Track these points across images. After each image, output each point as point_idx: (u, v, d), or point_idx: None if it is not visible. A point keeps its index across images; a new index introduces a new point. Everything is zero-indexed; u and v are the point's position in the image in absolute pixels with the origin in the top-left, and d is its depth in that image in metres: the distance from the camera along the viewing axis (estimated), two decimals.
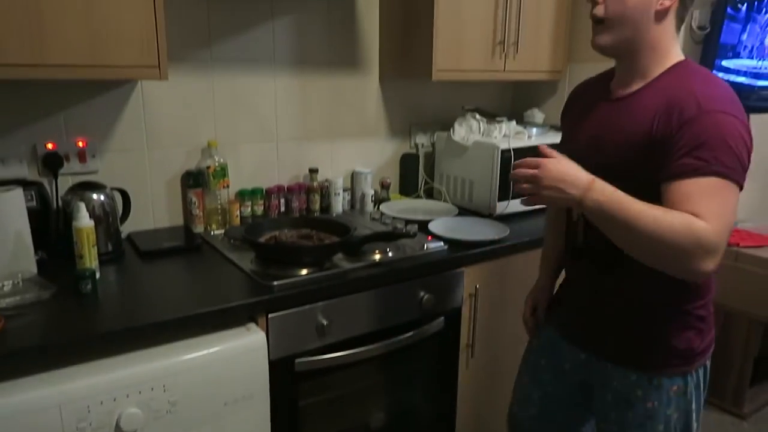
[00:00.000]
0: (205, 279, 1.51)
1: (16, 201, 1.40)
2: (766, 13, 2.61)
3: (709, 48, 2.51)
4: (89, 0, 1.33)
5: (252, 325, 1.37)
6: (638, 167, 1.08)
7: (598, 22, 1.12)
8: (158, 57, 1.44)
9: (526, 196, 1.10)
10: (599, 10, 1.11)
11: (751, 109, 2.90)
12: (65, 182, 1.64)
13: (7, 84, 1.54)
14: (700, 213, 0.97)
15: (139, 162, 1.80)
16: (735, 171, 0.99)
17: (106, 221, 1.59)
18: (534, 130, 2.24)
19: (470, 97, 2.48)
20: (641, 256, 1.04)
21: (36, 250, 1.45)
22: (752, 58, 2.64)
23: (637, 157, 1.08)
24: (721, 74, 2.54)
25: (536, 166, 1.07)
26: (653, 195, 1.03)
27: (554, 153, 1.09)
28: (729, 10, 2.44)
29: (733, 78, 2.61)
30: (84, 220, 1.41)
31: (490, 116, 2.27)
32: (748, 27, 2.56)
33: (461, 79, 2.20)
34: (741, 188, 1.02)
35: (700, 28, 2.50)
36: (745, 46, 2.59)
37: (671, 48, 1.13)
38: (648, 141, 1.06)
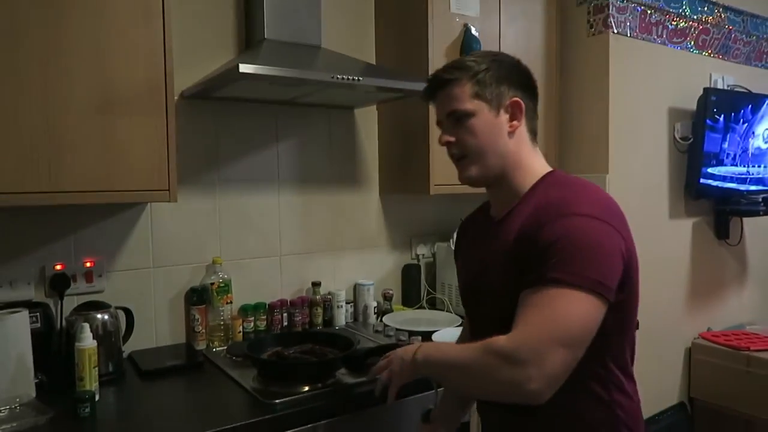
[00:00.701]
0: (206, 399, 1.48)
1: (21, 324, 1.41)
2: (743, 123, 2.77)
3: (694, 156, 2.63)
4: (106, 132, 1.43)
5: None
6: (513, 285, 1.00)
7: (460, 159, 1.13)
8: (169, 181, 1.51)
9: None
10: (456, 149, 1.13)
11: (742, 213, 3.01)
12: (71, 302, 1.66)
13: (21, 209, 1.60)
14: (515, 325, 0.94)
15: (144, 280, 1.83)
16: (578, 277, 0.91)
17: (109, 341, 1.59)
18: None
19: (468, 207, 2.54)
20: (472, 391, 1.11)
21: (36, 372, 1.43)
22: (735, 164, 2.75)
23: (508, 274, 1.03)
24: (709, 181, 2.64)
25: (387, 358, 1.22)
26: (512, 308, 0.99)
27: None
28: (708, 121, 2.59)
29: (720, 184, 2.70)
30: (87, 341, 1.41)
31: None
32: (728, 136, 2.70)
33: (457, 192, 2.28)
34: (598, 295, 0.92)
35: (683, 138, 2.64)
36: (728, 154, 2.72)
37: (533, 162, 1.13)
38: (516, 255, 1.02)
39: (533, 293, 0.94)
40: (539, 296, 0.93)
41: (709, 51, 2.76)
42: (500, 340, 0.93)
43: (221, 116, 1.94)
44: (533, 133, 1.15)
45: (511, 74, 1.12)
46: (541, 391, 0.90)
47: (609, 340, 1.02)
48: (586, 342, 0.93)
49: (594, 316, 0.93)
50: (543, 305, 0.92)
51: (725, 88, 2.80)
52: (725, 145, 2.67)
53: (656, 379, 2.58)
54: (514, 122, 1.11)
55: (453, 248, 1.38)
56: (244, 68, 1.48)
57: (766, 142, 2.87)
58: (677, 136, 2.62)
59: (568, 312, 0.91)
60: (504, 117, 1.10)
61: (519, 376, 0.90)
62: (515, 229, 1.05)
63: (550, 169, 1.15)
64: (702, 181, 2.59)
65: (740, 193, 2.78)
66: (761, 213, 2.74)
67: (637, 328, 1.17)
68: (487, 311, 1.13)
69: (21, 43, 1.31)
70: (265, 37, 1.81)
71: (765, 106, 2.80)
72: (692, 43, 2.67)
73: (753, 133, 2.79)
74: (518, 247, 1.02)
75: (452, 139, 1.13)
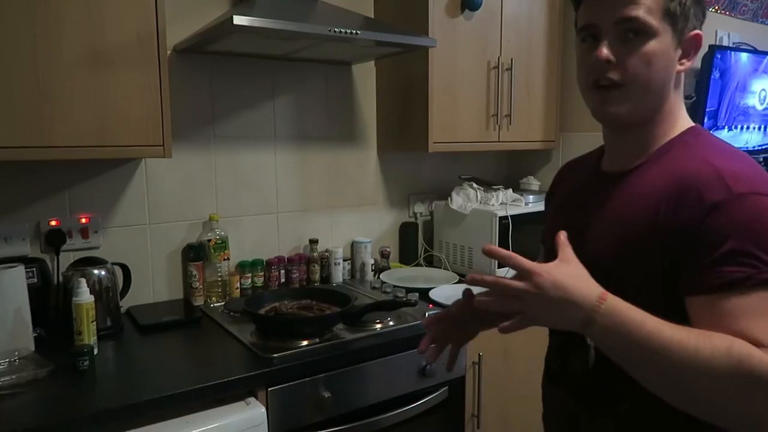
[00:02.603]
0: (204, 353, 1.50)
1: (17, 279, 1.41)
2: (742, 79, 2.72)
3: (697, 115, 2.59)
4: (98, 86, 1.40)
5: (252, 400, 1.34)
6: (636, 268, 0.83)
7: (613, 87, 0.87)
8: (163, 137, 1.49)
9: (504, 320, 0.80)
10: (615, 74, 0.86)
11: None
12: (67, 258, 1.66)
13: (14, 164, 1.58)
14: (759, 340, 0.70)
15: (140, 237, 1.82)
16: None
17: (106, 296, 1.59)
18: (530, 197, 2.28)
19: (467, 167, 2.54)
20: (678, 403, 0.75)
21: (34, 326, 1.44)
22: (731, 126, 2.71)
23: (635, 255, 0.83)
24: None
25: (526, 275, 0.76)
26: (656, 307, 0.76)
27: (565, 248, 0.82)
28: (712, 78, 2.54)
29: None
30: (84, 296, 1.41)
31: (487, 185, 2.32)
32: (726, 93, 2.66)
33: (457, 150, 2.26)
34: None
35: (687, 97, 2.60)
36: (725, 111, 2.68)
37: (680, 111, 0.92)
38: (652, 232, 0.81)
39: (741, 295, 0.73)
40: (754, 299, 0.72)
41: (717, 7, 2.69)
42: (765, 360, 0.68)
43: (216, 71, 1.90)
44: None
45: (701, 2, 0.88)
46: None
47: None
48: None
49: None
50: None
51: (730, 45, 2.75)
52: (723, 104, 2.63)
53: None
54: (684, 60, 0.88)
55: (546, 193, 1.16)
56: (238, 20, 1.44)
57: (762, 103, 2.83)
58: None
59: None
60: (679, 51, 0.88)
61: None
62: (652, 197, 0.83)
63: (691, 123, 0.93)
64: None
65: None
66: None
67: None
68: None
69: None
70: None
71: (765, 63, 2.75)
72: None
73: (750, 89, 2.75)
74: (663, 220, 0.80)
75: (612, 58, 0.85)
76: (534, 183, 2.52)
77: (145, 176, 1.81)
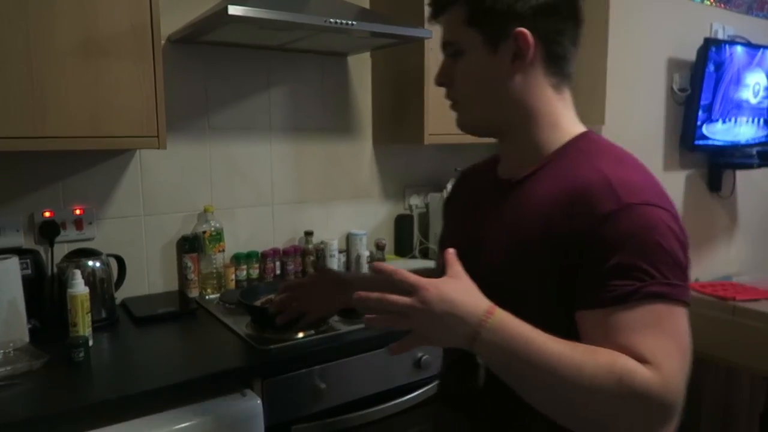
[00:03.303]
0: (199, 344, 1.50)
1: (12, 270, 1.40)
2: (737, 73, 2.73)
3: (691, 108, 2.61)
4: (92, 75, 1.39)
5: (248, 391, 1.34)
6: (529, 279, 0.80)
7: (453, 104, 0.91)
8: (157, 128, 1.48)
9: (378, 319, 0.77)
10: (450, 94, 0.91)
11: (736, 166, 3.01)
12: (61, 250, 1.65)
13: (7, 155, 1.57)
14: (643, 355, 0.69)
15: (135, 228, 1.81)
16: (678, 288, 0.73)
17: (101, 288, 1.59)
18: None
19: (462, 159, 2.53)
20: (565, 422, 0.72)
21: (29, 318, 1.44)
22: (725, 119, 2.73)
23: (528, 265, 0.80)
24: (704, 141, 2.62)
25: (412, 290, 0.73)
26: (554, 318, 0.75)
27: (453, 265, 0.78)
28: (706, 71, 2.55)
29: (713, 142, 2.70)
30: (79, 287, 1.41)
31: None
32: (721, 87, 2.67)
33: (452, 143, 2.26)
34: (688, 306, 0.74)
35: (681, 90, 2.61)
36: (720, 105, 2.69)
37: (560, 115, 0.87)
38: (544, 242, 0.79)
39: (629, 310, 0.71)
40: (642, 314, 0.71)
41: (711, 0, 2.70)
42: (645, 376, 0.67)
43: (210, 62, 1.89)
44: (560, 76, 0.86)
45: None
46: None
47: None
48: None
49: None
50: (658, 328, 0.71)
51: (725, 38, 2.75)
52: (718, 97, 2.64)
53: None
54: (517, 62, 0.83)
55: (445, 198, 1.13)
56: (233, 10, 1.43)
57: (755, 96, 2.84)
58: (675, 88, 2.59)
59: (687, 334, 0.74)
60: (503, 55, 0.83)
61: (664, 422, 0.69)
62: (545, 203, 0.81)
63: (583, 128, 0.89)
64: (697, 142, 2.59)
65: (735, 144, 2.77)
66: (755, 165, 2.75)
67: None
68: (477, 281, 0.80)
69: None
70: None
71: (760, 55, 2.76)
72: None
73: (744, 83, 2.76)
74: (555, 229, 0.78)
75: (444, 80, 0.90)
76: None
77: (140, 167, 1.80)
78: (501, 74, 0.84)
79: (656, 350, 0.69)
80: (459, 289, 0.74)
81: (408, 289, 0.73)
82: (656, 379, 0.67)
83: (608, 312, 0.72)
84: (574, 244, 0.75)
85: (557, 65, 0.85)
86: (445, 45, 0.89)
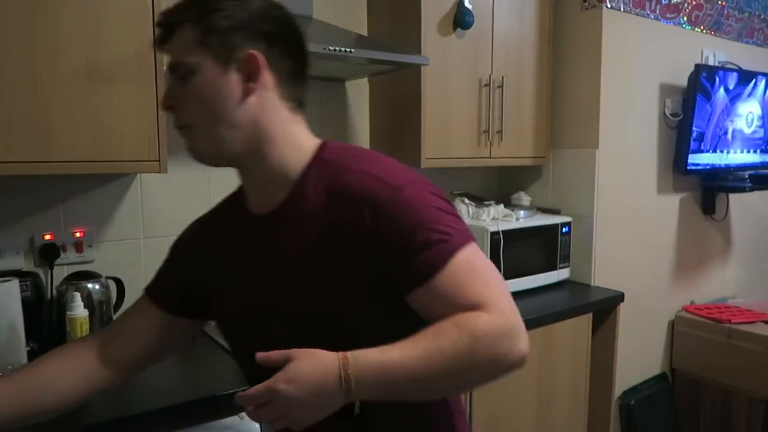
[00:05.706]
0: (196, 366, 1.50)
1: (11, 292, 1.41)
2: (729, 101, 2.77)
3: (683, 133, 2.65)
4: (96, 100, 1.41)
5: (245, 414, 1.34)
6: (342, 298, 0.82)
7: (181, 128, 0.87)
8: (159, 152, 1.50)
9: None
10: (178, 119, 0.87)
11: (728, 189, 3.04)
12: (61, 272, 1.66)
13: (8, 178, 1.59)
14: (474, 302, 0.77)
15: (134, 250, 1.82)
16: (463, 231, 0.82)
17: (100, 310, 1.59)
18: (521, 212, 2.31)
19: (459, 182, 2.57)
20: (458, 391, 0.88)
21: (27, 340, 1.44)
22: (716, 150, 2.77)
23: (335, 287, 0.82)
24: (693, 167, 2.66)
25: (270, 395, 0.73)
26: (373, 321, 0.82)
27: (276, 356, 0.75)
28: (698, 98, 2.60)
29: (703, 167, 2.73)
30: (78, 310, 1.42)
31: (479, 200, 2.34)
32: (713, 115, 2.71)
33: (449, 166, 2.29)
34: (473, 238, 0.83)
35: (673, 114, 2.65)
36: (712, 134, 2.73)
37: (296, 134, 0.89)
38: (341, 256, 0.82)
39: (443, 273, 0.78)
40: (453, 270, 0.78)
41: (702, 27, 2.75)
42: (485, 319, 0.75)
43: None
44: (293, 100, 0.88)
45: (255, 20, 0.84)
46: (528, 350, 0.78)
47: None
48: None
49: None
50: (469, 272, 0.79)
51: (716, 64, 2.81)
52: (710, 127, 2.68)
53: (640, 349, 2.64)
54: (250, 84, 0.84)
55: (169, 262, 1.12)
56: None
57: (749, 126, 2.89)
58: (667, 112, 2.63)
59: (486, 262, 0.82)
60: (235, 76, 0.83)
61: (519, 345, 0.77)
62: (321, 220, 0.83)
63: (318, 140, 0.91)
64: (689, 167, 2.62)
65: (727, 168, 2.81)
66: (747, 189, 2.78)
67: None
68: (281, 335, 0.82)
69: (4, 7, 1.28)
70: None
71: (752, 84, 2.82)
72: (685, 18, 2.66)
73: (737, 113, 2.80)
74: (352, 241, 0.81)
75: (172, 103, 0.86)
76: (525, 198, 2.55)
77: (140, 190, 1.82)
78: (233, 95, 0.83)
79: (481, 291, 0.78)
80: (304, 366, 0.73)
81: (268, 398, 0.73)
82: (493, 314, 0.75)
83: (432, 283, 0.78)
84: (369, 244, 0.80)
85: (291, 90, 0.88)
86: (174, 67, 0.85)
